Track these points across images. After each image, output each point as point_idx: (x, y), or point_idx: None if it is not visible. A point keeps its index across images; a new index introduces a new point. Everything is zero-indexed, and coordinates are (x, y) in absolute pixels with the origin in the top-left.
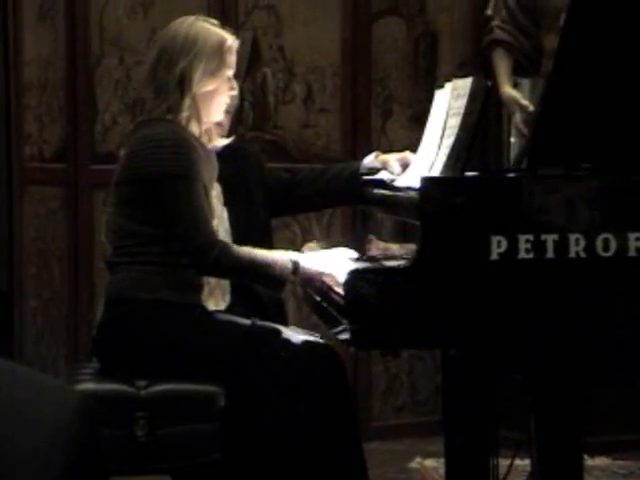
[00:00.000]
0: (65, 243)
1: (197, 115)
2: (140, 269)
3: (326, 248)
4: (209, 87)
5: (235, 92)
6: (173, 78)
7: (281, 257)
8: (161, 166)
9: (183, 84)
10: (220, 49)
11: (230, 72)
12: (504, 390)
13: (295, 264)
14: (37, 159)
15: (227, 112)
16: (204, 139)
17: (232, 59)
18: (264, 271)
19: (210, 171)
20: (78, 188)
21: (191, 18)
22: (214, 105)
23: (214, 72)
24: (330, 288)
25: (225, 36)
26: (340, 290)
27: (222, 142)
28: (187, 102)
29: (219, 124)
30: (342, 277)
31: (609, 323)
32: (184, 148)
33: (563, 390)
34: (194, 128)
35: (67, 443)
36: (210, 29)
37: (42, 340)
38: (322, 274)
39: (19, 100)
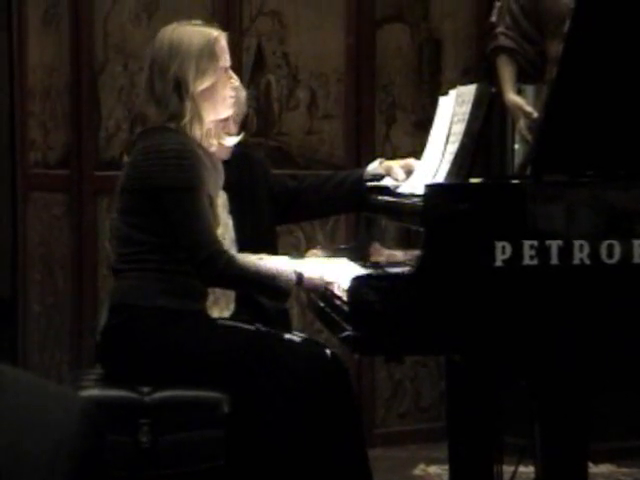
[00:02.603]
0: (69, 249)
1: (199, 116)
2: (140, 276)
3: (328, 256)
4: (206, 84)
5: (236, 82)
6: (169, 84)
7: (285, 268)
8: (165, 177)
9: (180, 87)
10: (207, 45)
11: (224, 63)
12: (508, 397)
13: (299, 275)
14: (41, 165)
15: (235, 122)
16: (207, 141)
17: (222, 51)
18: (269, 283)
19: (215, 179)
20: (82, 194)
21: (173, 25)
22: (218, 100)
23: (207, 68)
24: (334, 294)
25: (208, 31)
26: (344, 296)
27: (231, 140)
28: (188, 105)
29: (228, 133)
30: (346, 283)
31: (614, 329)
32: (188, 159)
33: (568, 397)
34: (196, 131)
35: (71, 449)
36: (193, 29)
37: (45, 346)
38: (327, 284)
39: (23, 106)
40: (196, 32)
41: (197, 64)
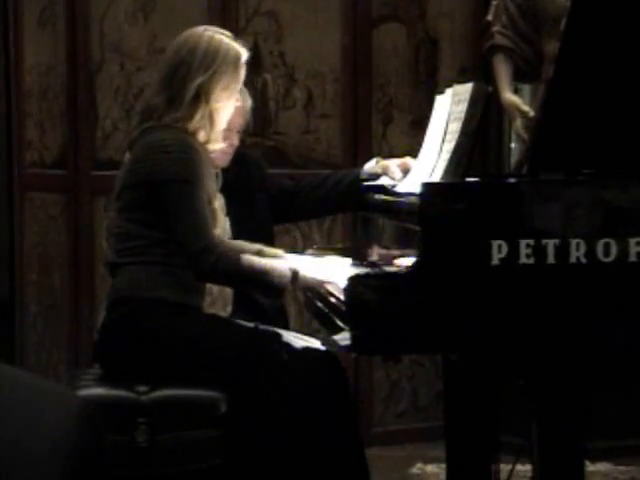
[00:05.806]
0: (65, 249)
1: (208, 127)
2: (142, 269)
3: (325, 255)
4: (224, 101)
5: (239, 103)
6: (189, 92)
7: (280, 265)
8: (165, 171)
9: (199, 99)
10: (237, 64)
11: (240, 85)
12: (505, 395)
13: (294, 273)
14: (38, 165)
15: (237, 132)
16: (207, 145)
17: (244, 73)
18: (261, 278)
19: (212, 177)
20: (79, 194)
21: (209, 31)
22: (224, 116)
23: (228, 86)
24: (331, 294)
25: (241, 51)
26: (341, 296)
27: (217, 146)
28: (199, 115)
29: (231, 144)
30: (343, 283)
31: (610, 328)
32: (188, 153)
33: (565, 395)
34: (202, 137)
35: (69, 448)
36: (229, 44)
37: (43, 346)
38: (322, 283)
39: (20, 106)
40: (231, 48)
41: (224, 82)
